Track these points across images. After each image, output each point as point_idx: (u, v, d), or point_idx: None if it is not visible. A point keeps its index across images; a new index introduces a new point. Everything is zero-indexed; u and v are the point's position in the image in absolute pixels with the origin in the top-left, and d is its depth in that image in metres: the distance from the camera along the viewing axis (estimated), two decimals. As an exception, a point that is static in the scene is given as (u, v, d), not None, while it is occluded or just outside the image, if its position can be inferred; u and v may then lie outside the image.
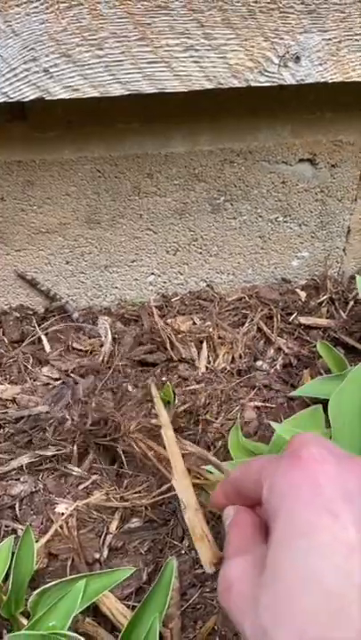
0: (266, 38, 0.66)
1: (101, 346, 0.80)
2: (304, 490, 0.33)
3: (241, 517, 0.40)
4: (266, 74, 0.67)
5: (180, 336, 0.83)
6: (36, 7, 0.59)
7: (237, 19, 0.64)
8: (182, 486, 0.50)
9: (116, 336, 0.83)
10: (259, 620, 0.31)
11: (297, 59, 0.68)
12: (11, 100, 0.62)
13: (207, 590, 0.58)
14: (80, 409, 0.67)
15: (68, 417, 0.66)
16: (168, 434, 0.56)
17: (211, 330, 0.83)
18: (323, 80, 0.69)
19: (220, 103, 0.75)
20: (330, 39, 0.67)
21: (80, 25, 0.60)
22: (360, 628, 0.28)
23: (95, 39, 0.61)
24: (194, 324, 0.86)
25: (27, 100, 0.63)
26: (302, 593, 0.30)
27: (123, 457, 0.65)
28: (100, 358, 0.78)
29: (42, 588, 0.50)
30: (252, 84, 0.68)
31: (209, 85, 0.67)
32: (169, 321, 0.85)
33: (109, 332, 0.82)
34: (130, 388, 0.72)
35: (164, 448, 0.56)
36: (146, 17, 0.61)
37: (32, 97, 0.63)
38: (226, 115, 0.77)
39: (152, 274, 0.89)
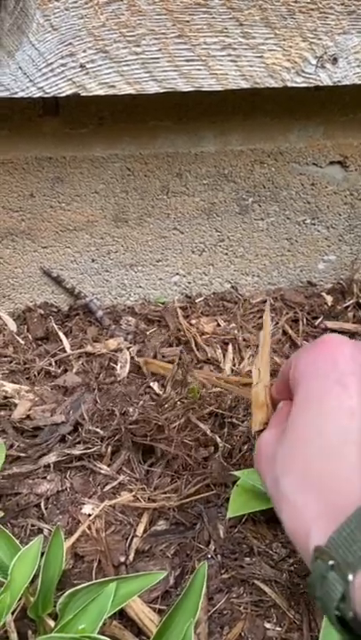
0: (304, 38, 0.65)
1: (128, 346, 0.79)
2: (321, 365, 0.39)
3: (283, 406, 0.46)
4: (303, 74, 0.67)
5: (204, 337, 0.82)
6: (75, 2, 0.58)
7: (276, 18, 0.63)
8: (263, 364, 0.54)
9: (140, 336, 0.82)
10: (273, 471, 0.38)
11: (334, 60, 0.67)
12: (47, 96, 0.61)
13: (234, 596, 0.57)
14: (120, 407, 0.66)
15: (103, 415, 0.65)
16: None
17: (235, 332, 0.82)
18: (360, 82, 0.68)
19: (253, 103, 0.74)
20: (369, 40, 0.66)
21: (119, 21, 0.60)
22: (356, 463, 0.33)
23: (133, 35, 0.61)
24: (218, 325, 0.85)
25: (62, 95, 0.62)
26: (307, 445, 0.36)
27: (160, 455, 0.65)
28: (126, 357, 0.77)
29: (71, 589, 0.49)
30: (289, 84, 0.67)
31: (245, 85, 0.66)
32: (193, 322, 0.85)
33: (134, 332, 0.81)
34: (156, 387, 0.71)
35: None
36: (185, 14, 0.61)
37: (68, 92, 0.62)
38: (259, 114, 0.76)
39: (177, 274, 0.88)
